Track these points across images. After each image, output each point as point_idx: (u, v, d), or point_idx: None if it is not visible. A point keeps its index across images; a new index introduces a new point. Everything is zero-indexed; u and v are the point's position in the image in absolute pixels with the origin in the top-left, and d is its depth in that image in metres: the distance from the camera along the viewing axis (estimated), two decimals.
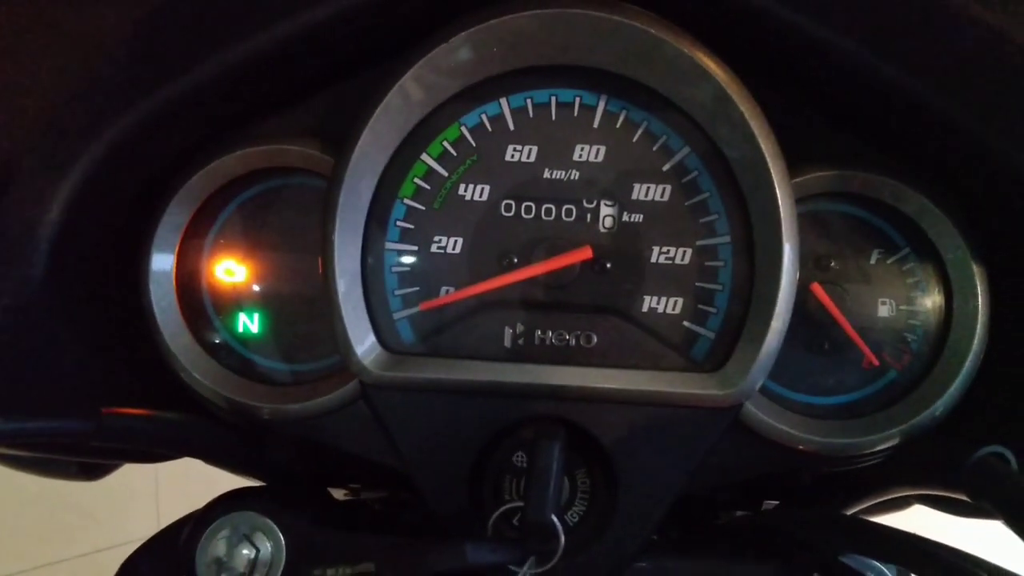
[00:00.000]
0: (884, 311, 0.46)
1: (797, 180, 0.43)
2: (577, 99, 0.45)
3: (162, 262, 0.46)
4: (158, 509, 2.11)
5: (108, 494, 2.16)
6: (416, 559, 0.38)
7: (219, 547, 0.45)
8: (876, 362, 0.45)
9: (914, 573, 0.43)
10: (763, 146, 0.41)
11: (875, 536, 0.43)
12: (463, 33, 0.40)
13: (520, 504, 0.39)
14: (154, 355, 0.46)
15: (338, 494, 0.61)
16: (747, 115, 0.41)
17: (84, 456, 0.49)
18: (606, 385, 0.42)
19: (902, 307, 0.45)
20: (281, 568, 0.45)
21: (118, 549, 2.27)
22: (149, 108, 0.41)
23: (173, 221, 0.45)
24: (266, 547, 0.45)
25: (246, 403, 0.45)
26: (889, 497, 0.48)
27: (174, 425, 0.41)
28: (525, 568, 0.38)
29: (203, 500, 0.50)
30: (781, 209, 0.41)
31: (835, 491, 0.49)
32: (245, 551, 0.45)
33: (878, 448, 0.43)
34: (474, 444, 0.43)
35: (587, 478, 0.44)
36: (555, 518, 0.38)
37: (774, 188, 0.41)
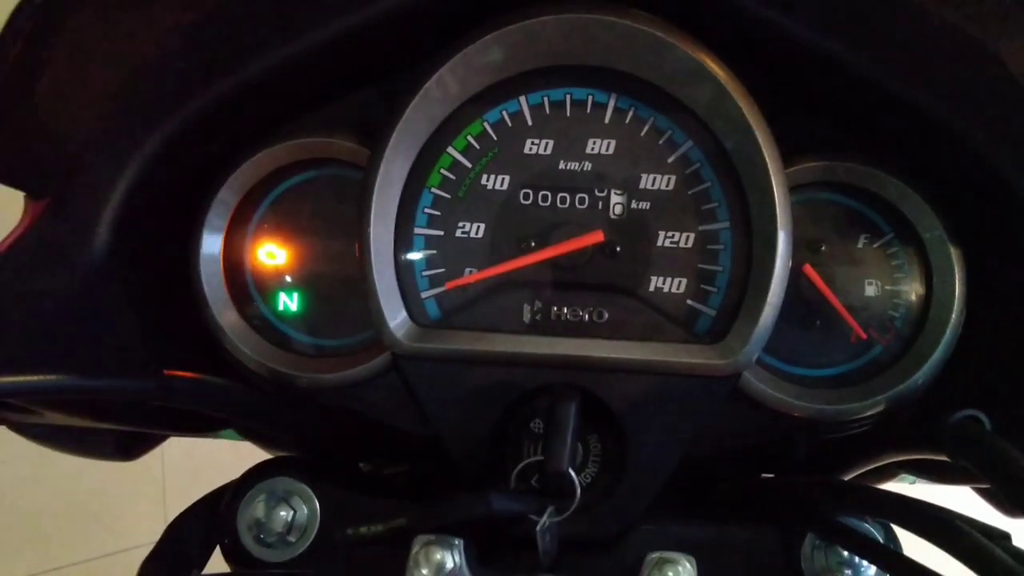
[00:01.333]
0: (871, 291, 0.50)
1: (790, 170, 0.47)
2: (590, 97, 0.49)
3: (211, 244, 0.50)
4: (166, 514, 2.15)
5: (116, 498, 2.18)
6: (445, 509, 0.42)
7: (258, 509, 0.49)
8: (864, 336, 0.49)
9: (904, 528, 0.47)
10: (759, 139, 0.46)
11: (865, 496, 0.47)
12: (491, 35, 0.45)
13: (540, 459, 0.43)
14: (201, 330, 0.50)
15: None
16: (744, 111, 0.45)
17: (136, 423, 0.53)
18: (616, 355, 0.46)
19: (887, 287, 0.50)
20: (316, 529, 0.49)
21: (127, 553, 2.26)
22: (201, 105, 0.45)
23: (221, 207, 0.50)
24: (302, 510, 0.49)
25: (286, 372, 0.49)
26: (877, 465, 0.52)
27: (225, 390, 0.45)
28: (544, 517, 0.42)
29: None
30: (776, 197, 0.46)
31: (827, 462, 0.53)
32: (283, 513, 0.49)
33: (866, 414, 0.48)
34: (496, 409, 0.47)
35: (598, 443, 0.48)
36: (573, 473, 0.42)
37: (769, 178, 0.46)
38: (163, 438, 0.71)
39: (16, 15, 0.40)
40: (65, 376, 0.39)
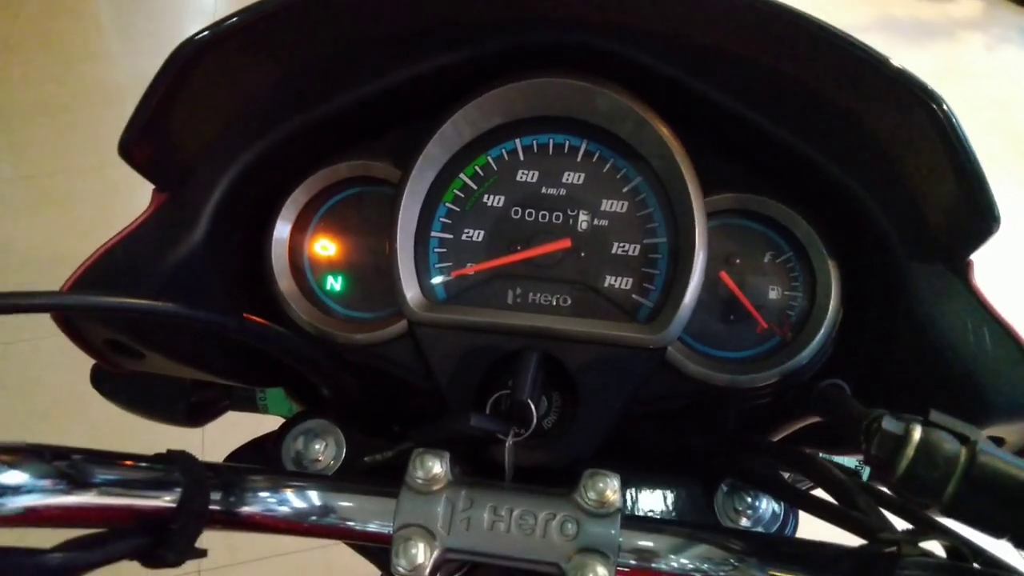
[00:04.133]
0: (773, 295, 0.64)
1: (709, 199, 0.62)
2: (567, 142, 0.65)
3: (281, 231, 0.66)
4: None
5: None
6: (437, 426, 0.56)
7: (299, 443, 0.63)
8: (766, 326, 0.64)
9: (788, 468, 0.61)
10: (685, 176, 0.61)
11: (765, 446, 0.61)
12: (491, 92, 0.62)
13: (508, 392, 0.58)
14: (269, 297, 0.65)
15: None
16: (676, 155, 0.61)
17: (217, 371, 0.67)
18: (575, 328, 0.60)
19: (785, 292, 0.64)
20: (343, 458, 0.63)
21: None
22: (284, 133, 0.61)
23: (292, 206, 0.66)
24: (332, 444, 0.64)
25: (328, 331, 0.64)
26: (786, 433, 0.66)
27: (285, 337, 0.60)
28: (510, 437, 0.57)
29: None
30: (696, 220, 0.61)
31: (746, 429, 0.67)
32: (317, 446, 0.62)
33: (764, 384, 0.61)
34: (483, 366, 0.61)
35: (559, 399, 0.62)
36: (530, 402, 0.57)
37: (691, 205, 0.61)
38: (224, 410, 0.85)
39: (175, 53, 0.52)
40: (172, 305, 0.51)
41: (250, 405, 0.81)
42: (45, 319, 0.54)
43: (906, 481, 0.40)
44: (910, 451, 0.39)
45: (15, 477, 0.42)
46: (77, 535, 0.46)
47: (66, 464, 0.45)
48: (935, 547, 0.45)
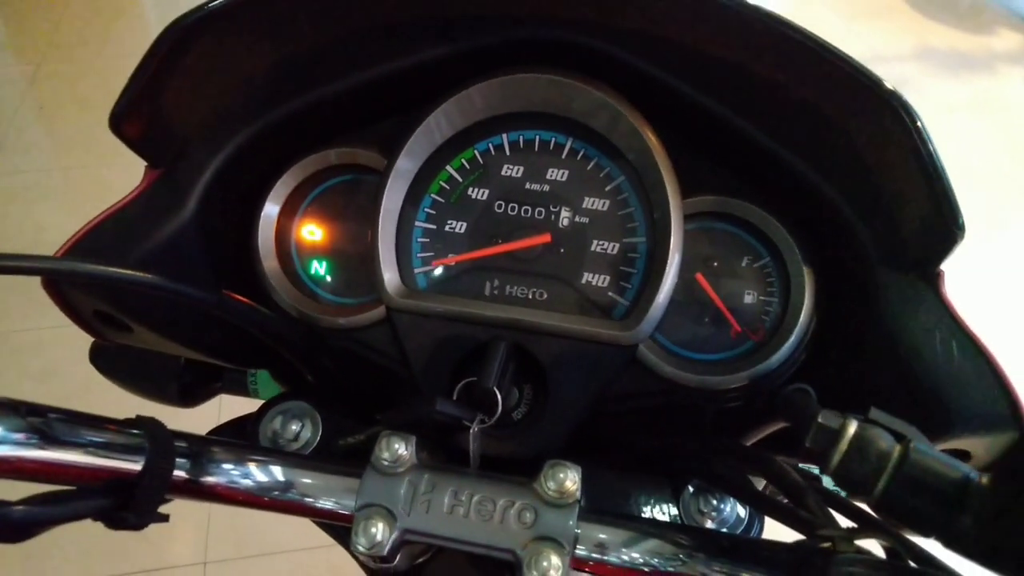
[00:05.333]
0: (749, 299, 0.64)
1: (687, 201, 0.63)
2: (553, 139, 0.66)
3: (270, 210, 0.67)
4: (207, 541, 2.24)
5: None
6: (405, 409, 0.57)
7: (276, 423, 0.64)
8: (740, 329, 0.64)
9: (752, 471, 0.61)
10: (665, 179, 0.62)
11: (737, 450, 0.61)
12: (474, 86, 0.63)
13: (475, 379, 0.59)
14: (254, 278, 0.67)
15: None
16: (657, 158, 0.62)
17: (202, 348, 0.69)
18: (548, 322, 0.61)
19: (761, 297, 0.64)
20: (318, 440, 0.64)
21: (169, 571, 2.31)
22: (277, 117, 0.62)
23: (282, 188, 0.67)
24: (309, 425, 0.65)
25: (310, 314, 0.65)
26: (757, 438, 0.66)
27: (267, 317, 0.62)
28: (475, 424, 0.58)
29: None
30: (673, 220, 0.62)
31: (717, 432, 0.68)
32: (294, 427, 0.64)
33: (734, 386, 0.61)
34: (457, 355, 0.62)
35: (530, 391, 0.63)
36: (496, 390, 0.58)
37: (669, 207, 0.62)
38: (215, 392, 0.87)
39: (162, 35, 0.54)
40: (158, 278, 0.52)
41: (241, 388, 0.83)
42: None
43: (839, 474, 0.40)
44: (844, 445, 0.40)
45: None
46: (45, 491, 0.48)
47: (40, 420, 0.46)
48: (878, 548, 0.45)
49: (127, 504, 0.49)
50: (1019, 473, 0.34)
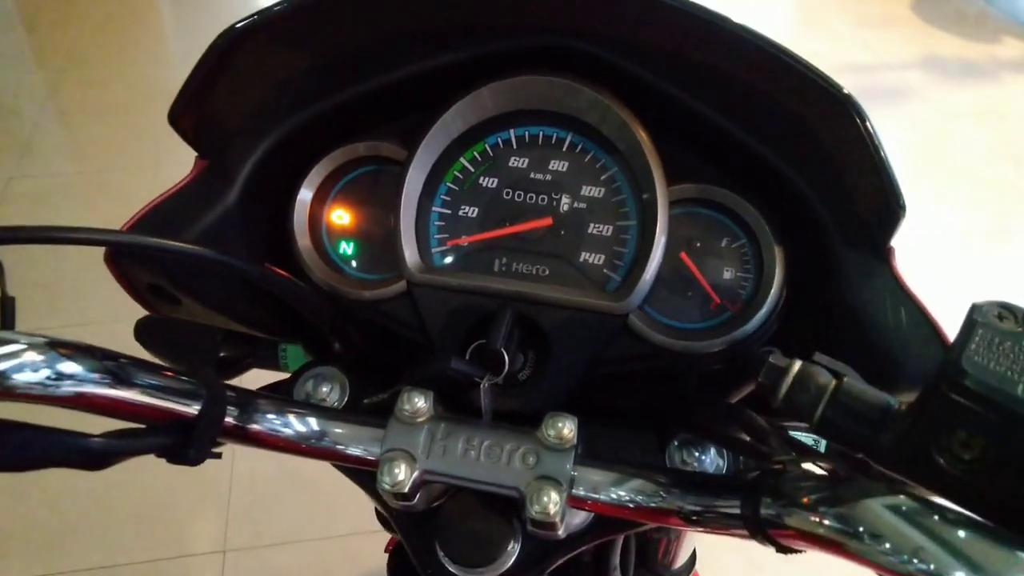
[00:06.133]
0: (727, 275, 0.72)
1: (672, 188, 0.70)
2: (555, 134, 0.74)
3: (304, 195, 0.75)
4: (226, 530, 2.29)
5: (182, 506, 2.32)
6: (424, 366, 0.65)
7: (308, 385, 0.71)
8: (719, 302, 0.72)
9: (736, 424, 0.68)
10: (652, 169, 0.69)
11: (715, 403, 0.69)
12: (485, 87, 0.71)
13: (483, 341, 0.67)
14: (289, 256, 0.75)
15: None
16: (645, 149, 0.70)
17: (245, 319, 0.76)
18: (550, 295, 0.68)
19: (739, 273, 0.71)
20: (346, 399, 0.71)
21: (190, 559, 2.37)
22: (311, 114, 0.71)
23: (315, 175, 0.75)
24: (337, 387, 0.72)
25: (339, 288, 0.73)
26: (736, 400, 0.74)
27: (304, 290, 0.68)
28: (485, 380, 0.65)
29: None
30: (659, 207, 0.69)
31: (702, 393, 0.75)
32: (324, 388, 0.71)
33: (713, 351, 0.69)
34: (468, 323, 0.69)
35: (534, 356, 0.70)
36: (503, 351, 0.66)
37: (656, 194, 0.69)
38: (248, 367, 0.94)
39: (214, 43, 0.61)
40: (205, 249, 0.60)
41: (272, 363, 0.90)
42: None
43: (786, 403, 0.48)
44: (789, 379, 0.48)
45: (71, 367, 0.52)
46: (116, 428, 0.57)
47: (113, 364, 0.55)
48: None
49: (186, 443, 0.58)
50: (929, 401, 0.42)
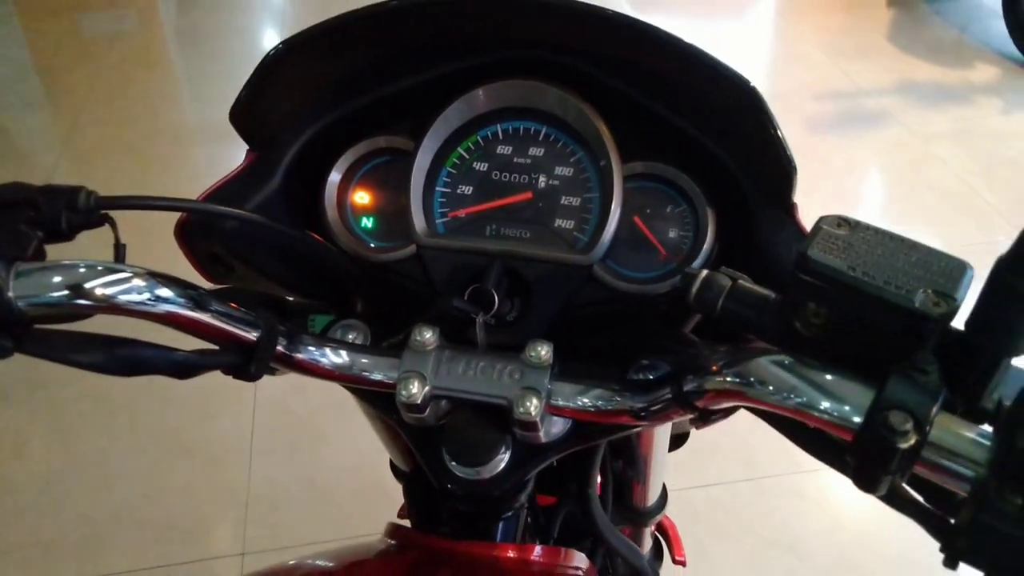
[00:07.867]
0: (672, 234, 0.87)
1: (626, 166, 0.87)
2: (533, 127, 0.91)
3: (334, 177, 0.91)
4: (245, 533, 2.42)
5: (200, 510, 2.44)
6: (431, 305, 0.82)
7: (337, 332, 0.87)
8: (666, 255, 0.88)
9: (681, 345, 0.84)
10: (610, 152, 0.86)
11: (668, 333, 0.86)
12: (477, 89, 0.89)
13: (478, 285, 0.83)
14: (319, 228, 0.91)
15: None
16: (603, 137, 0.87)
17: (287, 282, 0.93)
18: (531, 251, 0.84)
19: (680, 232, 0.86)
20: (369, 342, 0.89)
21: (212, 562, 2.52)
22: (338, 114, 0.89)
23: (342, 163, 0.91)
24: (360, 334, 0.88)
25: (362, 253, 0.90)
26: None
27: (335, 253, 0.85)
28: (480, 315, 0.82)
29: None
30: (615, 182, 0.86)
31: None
32: (351, 335, 0.86)
33: (661, 292, 0.84)
34: (467, 276, 0.83)
35: (520, 302, 0.86)
36: (494, 292, 0.83)
37: (611, 170, 0.86)
38: None
39: (265, 58, 0.73)
40: (262, 217, 0.74)
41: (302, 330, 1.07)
42: None
43: (696, 303, 0.64)
44: (698, 283, 0.64)
45: (165, 292, 0.69)
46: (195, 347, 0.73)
47: (195, 292, 0.71)
48: None
49: (247, 362, 0.74)
50: (790, 286, 0.58)
